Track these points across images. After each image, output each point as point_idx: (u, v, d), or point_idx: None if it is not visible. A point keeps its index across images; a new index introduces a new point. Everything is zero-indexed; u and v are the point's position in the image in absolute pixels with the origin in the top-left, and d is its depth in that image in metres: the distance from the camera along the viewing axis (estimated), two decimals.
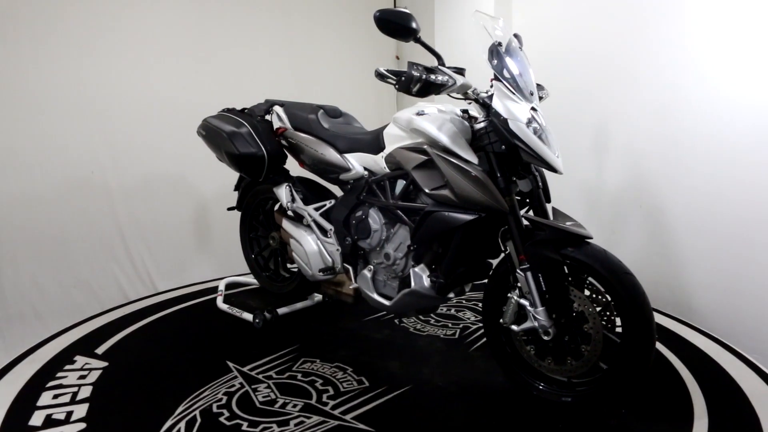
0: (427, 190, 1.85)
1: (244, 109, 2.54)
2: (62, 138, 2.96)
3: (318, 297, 2.70)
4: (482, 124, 1.82)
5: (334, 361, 2.20)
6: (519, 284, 1.80)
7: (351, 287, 2.24)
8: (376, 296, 2.10)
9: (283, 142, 2.43)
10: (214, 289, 2.95)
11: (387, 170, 2.04)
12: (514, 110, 1.72)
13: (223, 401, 1.88)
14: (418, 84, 1.71)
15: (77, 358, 2.23)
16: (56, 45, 2.90)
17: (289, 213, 2.44)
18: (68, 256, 3.03)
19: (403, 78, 1.70)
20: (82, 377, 2.06)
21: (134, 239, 3.29)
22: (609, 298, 1.73)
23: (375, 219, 2.07)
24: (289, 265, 2.71)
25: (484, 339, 2.38)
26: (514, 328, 1.80)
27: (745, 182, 2.40)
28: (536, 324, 1.75)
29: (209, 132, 2.45)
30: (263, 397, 1.92)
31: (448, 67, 1.78)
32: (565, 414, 1.80)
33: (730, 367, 2.08)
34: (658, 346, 2.26)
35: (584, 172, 3.11)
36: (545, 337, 1.76)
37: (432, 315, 2.70)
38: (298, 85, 3.88)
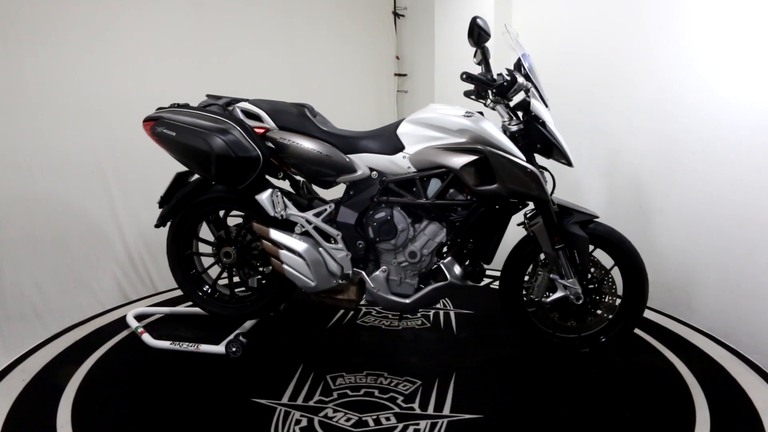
0: (475, 187, 1.96)
1: (208, 105, 2.26)
2: (62, 138, 2.96)
3: None
4: (517, 126, 2.02)
5: (362, 370, 2.08)
6: (548, 262, 2.10)
7: (355, 292, 2.19)
8: (391, 297, 2.13)
9: (269, 143, 2.19)
10: (122, 320, 2.50)
11: (412, 169, 2.05)
12: (545, 114, 1.97)
13: None
14: (517, 91, 1.94)
15: None
16: (56, 45, 2.90)
17: (256, 221, 2.25)
18: (68, 256, 3.02)
19: (505, 83, 1.93)
20: None
21: (134, 239, 3.28)
22: (606, 267, 2.15)
23: (400, 219, 2.10)
24: (250, 281, 2.40)
25: (455, 322, 2.57)
26: (545, 300, 2.11)
27: (744, 182, 2.41)
28: (568, 292, 2.07)
29: (181, 131, 2.10)
30: (345, 420, 1.74)
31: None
32: (586, 361, 2.14)
33: (731, 367, 2.08)
34: (659, 347, 2.27)
35: (583, 172, 3.10)
36: (578, 302, 2.08)
37: (387, 312, 2.58)
38: (298, 85, 3.87)
